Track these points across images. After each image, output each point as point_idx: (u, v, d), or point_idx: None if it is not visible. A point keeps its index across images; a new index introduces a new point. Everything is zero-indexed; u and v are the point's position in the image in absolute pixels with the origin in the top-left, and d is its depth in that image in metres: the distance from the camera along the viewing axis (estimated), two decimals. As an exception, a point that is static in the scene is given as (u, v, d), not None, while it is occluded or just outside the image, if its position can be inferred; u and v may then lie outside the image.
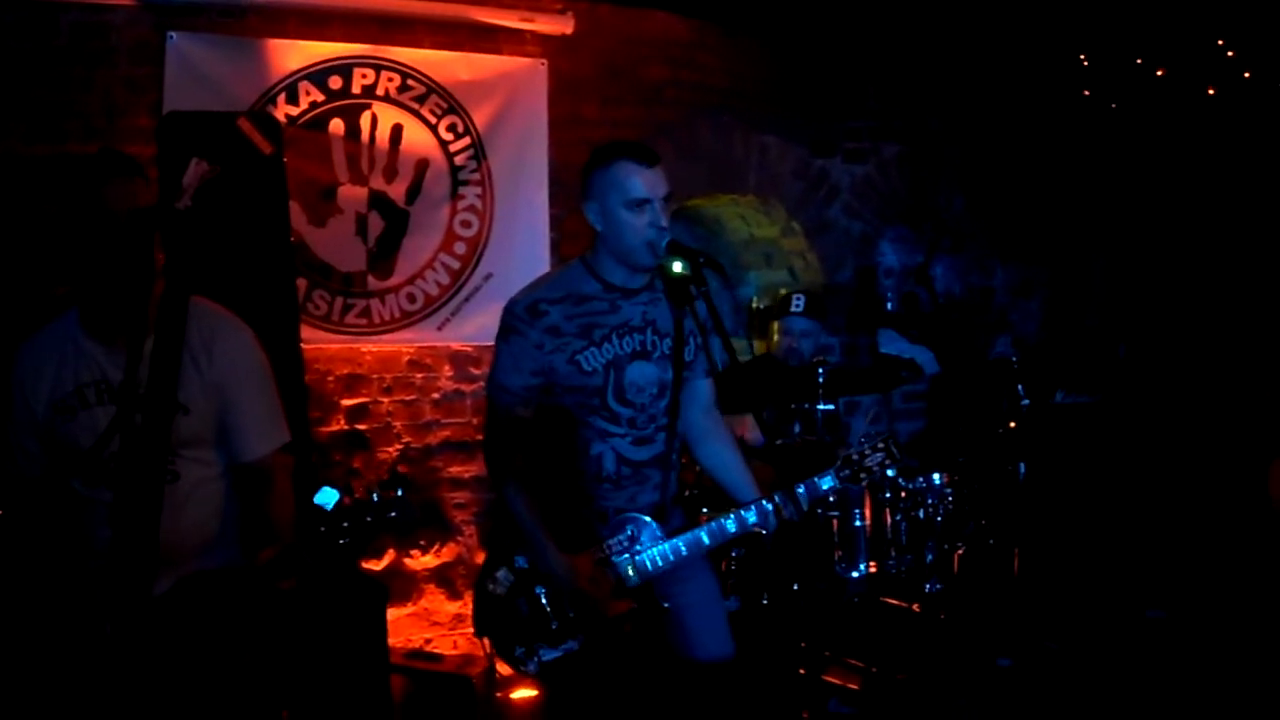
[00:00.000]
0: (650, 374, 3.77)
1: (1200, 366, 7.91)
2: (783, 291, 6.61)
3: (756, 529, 3.80)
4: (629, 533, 3.75)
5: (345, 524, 3.06)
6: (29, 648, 3.31)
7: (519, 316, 3.68)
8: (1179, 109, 7.41)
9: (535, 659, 3.71)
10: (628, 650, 3.69)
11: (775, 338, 6.38)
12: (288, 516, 3.45)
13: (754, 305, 7.93)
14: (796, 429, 5.89)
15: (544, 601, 3.70)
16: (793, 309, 6.29)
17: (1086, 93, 7.27)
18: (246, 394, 3.45)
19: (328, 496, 3.03)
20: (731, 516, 3.76)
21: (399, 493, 3.11)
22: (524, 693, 5.52)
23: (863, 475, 3.86)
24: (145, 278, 3.28)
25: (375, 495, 3.08)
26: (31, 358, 3.38)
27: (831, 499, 5.43)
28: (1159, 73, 7.01)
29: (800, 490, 3.74)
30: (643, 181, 3.66)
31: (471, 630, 3.92)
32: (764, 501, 3.76)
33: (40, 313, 3.53)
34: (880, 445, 3.86)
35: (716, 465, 4.04)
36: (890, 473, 3.86)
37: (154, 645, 3.13)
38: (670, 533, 3.77)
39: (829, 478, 3.81)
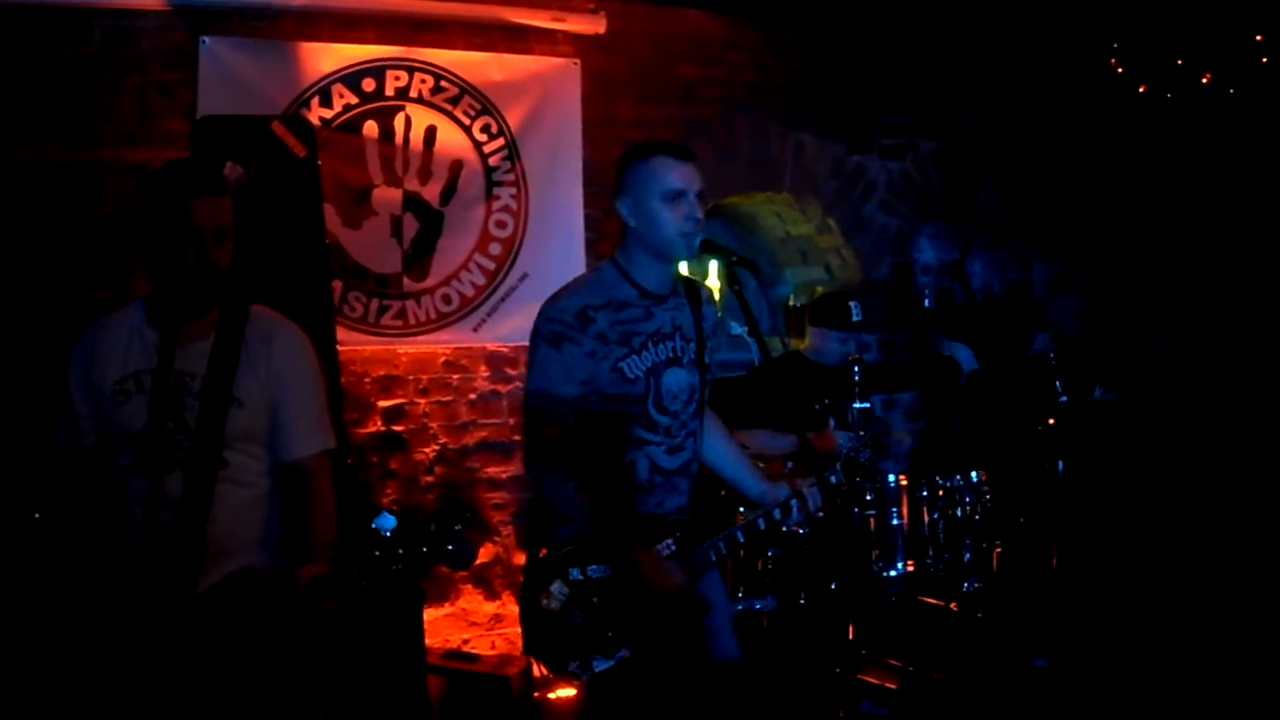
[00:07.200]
0: (682, 380, 3.78)
1: (1239, 362, 7.83)
2: (819, 290, 6.54)
3: (781, 523, 3.90)
4: (677, 535, 3.76)
5: (400, 550, 3.05)
6: (59, 641, 3.35)
7: (570, 325, 3.64)
8: (1217, 103, 7.34)
9: (589, 671, 3.65)
10: (675, 653, 3.68)
11: (810, 340, 6.27)
12: (328, 522, 3.45)
13: (790, 303, 7.90)
14: (831, 424, 5.86)
15: (600, 610, 3.65)
16: (854, 318, 6.11)
17: (1143, 89, 7.19)
18: (297, 394, 3.48)
19: (386, 522, 3.01)
20: (760, 515, 3.91)
21: (459, 527, 3.07)
22: (562, 692, 5.52)
23: (858, 470, 4.10)
24: (219, 281, 3.35)
25: (433, 525, 3.05)
26: (101, 338, 3.42)
27: (870, 497, 5.42)
28: (1204, 79, 6.94)
29: (812, 487, 3.88)
30: (678, 175, 3.67)
31: (508, 630, 3.92)
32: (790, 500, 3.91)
33: (78, 317, 3.56)
34: (868, 441, 4.14)
35: (717, 460, 4.09)
36: (881, 466, 4.07)
37: (193, 643, 3.14)
38: (706, 535, 3.81)
39: (835, 474, 4.06)
